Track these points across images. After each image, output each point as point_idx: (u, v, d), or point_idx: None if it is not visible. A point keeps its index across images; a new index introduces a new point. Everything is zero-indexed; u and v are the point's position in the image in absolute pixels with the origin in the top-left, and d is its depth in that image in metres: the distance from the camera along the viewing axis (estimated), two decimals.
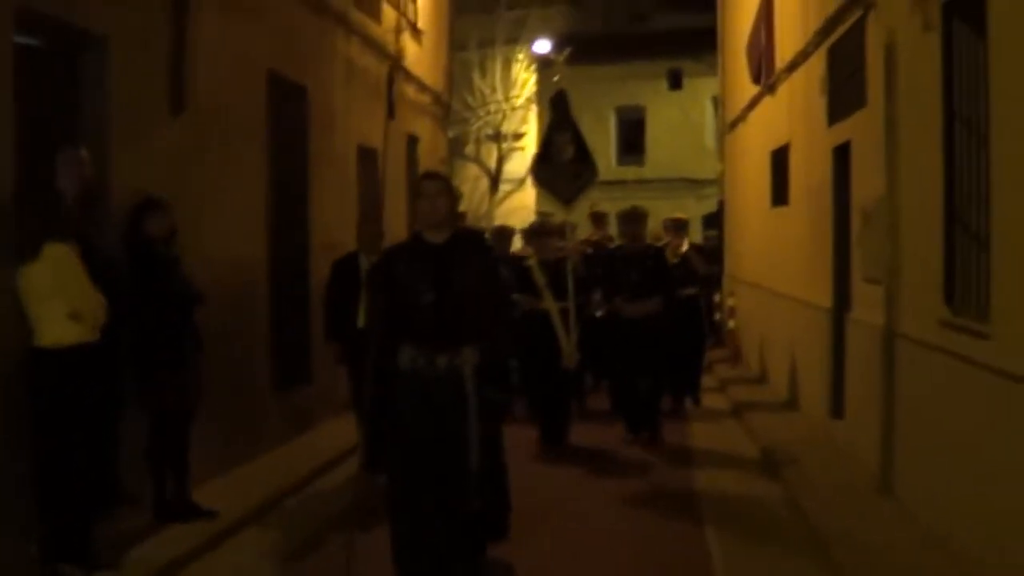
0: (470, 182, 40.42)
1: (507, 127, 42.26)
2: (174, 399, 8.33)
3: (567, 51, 13.19)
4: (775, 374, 15.66)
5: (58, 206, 7.03)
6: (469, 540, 7.12)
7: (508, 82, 41.34)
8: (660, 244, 13.85)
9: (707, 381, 15.99)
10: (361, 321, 9.88)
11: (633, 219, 12.87)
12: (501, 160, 42.21)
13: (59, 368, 6.95)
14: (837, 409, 11.37)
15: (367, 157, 15.38)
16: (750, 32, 16.11)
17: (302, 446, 11.52)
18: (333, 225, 13.24)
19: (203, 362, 8.74)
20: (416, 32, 18.65)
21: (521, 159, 41.98)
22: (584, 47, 22.23)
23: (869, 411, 9.68)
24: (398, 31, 17.21)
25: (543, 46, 35.52)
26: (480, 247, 8.00)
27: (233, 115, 10.52)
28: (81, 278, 7.11)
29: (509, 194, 41.64)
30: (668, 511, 9.58)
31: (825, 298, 11.83)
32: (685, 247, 14.72)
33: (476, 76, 39.29)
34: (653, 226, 14.43)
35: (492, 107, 41.37)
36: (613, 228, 15.45)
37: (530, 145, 41.32)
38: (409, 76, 18.15)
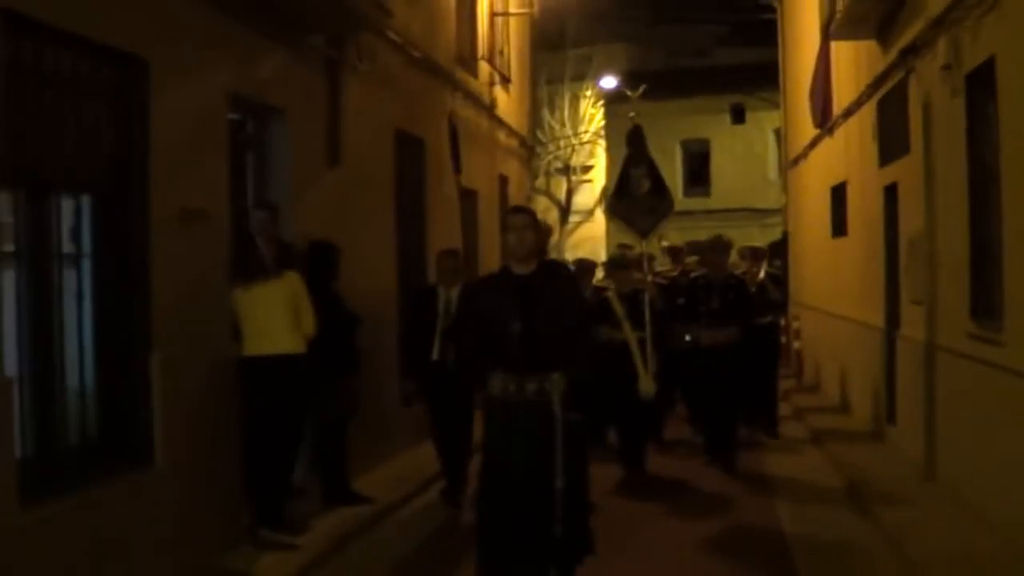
0: (540, 214, 41.61)
1: (575, 161, 43.81)
2: (342, 405, 10.13)
3: (642, 87, 13.35)
4: (830, 385, 17.46)
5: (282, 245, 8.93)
6: (553, 563, 7.33)
7: (576, 118, 42.91)
8: (738, 273, 14.06)
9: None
10: (436, 354, 10.47)
11: (718, 249, 13.34)
12: (570, 192, 43.78)
13: (269, 372, 8.77)
14: (891, 415, 13.03)
15: (467, 197, 17.23)
16: (811, 80, 17.78)
17: (425, 452, 13.11)
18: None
19: (360, 377, 10.56)
20: (505, 82, 20.52)
21: (589, 191, 43.67)
22: (649, 82, 22.98)
23: (915, 412, 11.39)
24: (491, 83, 19.12)
25: (609, 82, 37.25)
26: (565, 278, 8.68)
27: (371, 166, 12.43)
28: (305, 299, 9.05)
29: (578, 225, 43.16)
30: (749, 544, 9.67)
31: (878, 318, 13.53)
32: (762, 275, 15.00)
33: (546, 112, 40.37)
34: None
35: (562, 142, 43.01)
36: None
37: (598, 178, 43.00)
38: (500, 122, 20.01)
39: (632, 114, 12.75)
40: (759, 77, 32.24)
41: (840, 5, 13.55)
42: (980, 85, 9.02)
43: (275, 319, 8.83)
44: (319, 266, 9.87)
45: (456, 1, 16.72)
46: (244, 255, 8.91)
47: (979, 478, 9.20)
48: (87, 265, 7.25)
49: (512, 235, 7.27)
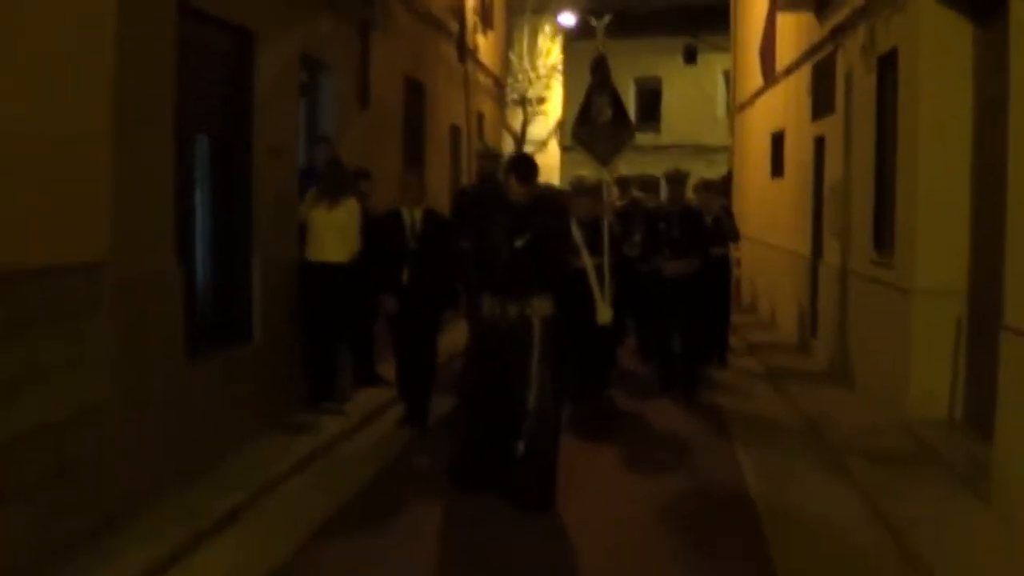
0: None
1: (532, 93, 45.86)
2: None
3: (608, 17, 13.03)
4: (764, 306, 20.16)
5: (337, 174, 11.20)
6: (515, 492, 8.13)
7: (534, 51, 44.93)
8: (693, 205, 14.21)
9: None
10: (406, 278, 10.76)
11: (677, 180, 13.62)
12: (525, 124, 45.90)
13: (326, 276, 11.09)
14: (813, 329, 15.67)
15: (453, 132, 19.69)
16: (760, 40, 20.26)
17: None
18: (436, 186, 17.50)
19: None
20: (487, 28, 22.88)
21: (543, 123, 45.79)
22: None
23: (831, 323, 14.02)
24: (475, 30, 21.47)
25: (568, 18, 39.39)
26: (555, 211, 9.17)
27: (388, 108, 14.83)
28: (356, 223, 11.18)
29: (532, 155, 45.30)
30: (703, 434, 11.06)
31: (806, 248, 16.14)
32: (715, 208, 15.17)
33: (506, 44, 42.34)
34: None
35: (520, 75, 45.07)
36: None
37: (553, 110, 45.20)
38: (479, 65, 22.39)
39: (598, 40, 12.77)
40: (711, 20, 33.94)
41: None
42: (888, 66, 11.54)
43: (329, 235, 11.04)
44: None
45: None
46: (311, 179, 11.27)
47: (873, 371, 11.82)
48: (209, 188, 9.63)
49: (513, 195, 8.36)
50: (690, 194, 14.84)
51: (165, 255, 8.20)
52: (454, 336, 13.39)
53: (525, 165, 8.61)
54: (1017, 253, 7.58)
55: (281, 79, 10.71)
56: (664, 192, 15.14)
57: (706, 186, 15.28)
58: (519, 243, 8.13)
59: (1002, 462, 7.71)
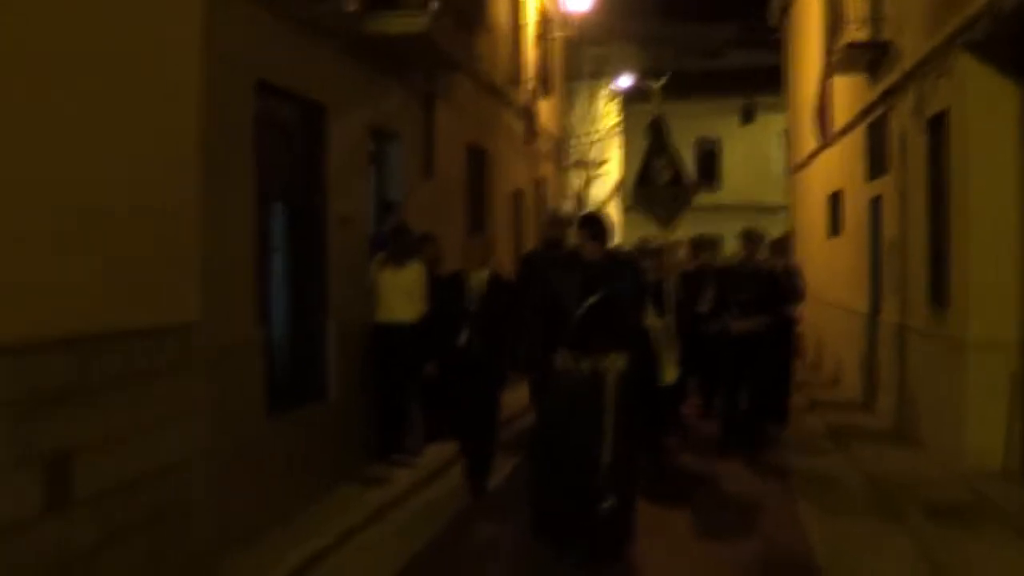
0: (557, 205, 44.17)
1: (591, 155, 46.40)
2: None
3: (664, 78, 13.24)
4: (828, 364, 20.34)
5: (404, 239, 11.64)
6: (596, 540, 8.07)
7: (593, 114, 45.52)
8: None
9: None
10: (463, 340, 10.67)
11: (754, 239, 13.27)
12: (586, 185, 46.40)
13: (394, 335, 11.50)
14: (870, 382, 15.88)
15: (516, 197, 20.16)
16: (816, 102, 20.58)
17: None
18: (499, 250, 17.92)
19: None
20: (546, 93, 23.43)
21: (603, 185, 46.32)
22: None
23: (891, 379, 14.25)
24: (534, 96, 21.99)
25: (625, 80, 39.99)
26: (627, 267, 9.24)
27: (452, 174, 15.31)
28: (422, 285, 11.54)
29: (604, 217, 45.66)
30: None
31: (864, 305, 16.39)
32: (780, 267, 14.87)
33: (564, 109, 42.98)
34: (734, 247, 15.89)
35: (579, 138, 45.62)
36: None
37: (612, 171, 45.69)
38: (541, 130, 22.89)
39: (654, 103, 12.97)
40: (768, 80, 34.48)
41: (838, 46, 16.39)
42: (938, 127, 11.88)
43: (396, 297, 11.43)
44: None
45: (510, 28, 19.61)
46: (380, 246, 11.74)
47: (932, 425, 12.05)
48: (286, 254, 10.10)
49: (585, 253, 8.66)
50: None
51: (248, 318, 8.70)
52: (512, 398, 13.35)
53: (597, 222, 8.89)
54: None
55: (352, 150, 11.21)
56: (733, 249, 14.87)
57: (775, 245, 15.32)
58: (592, 301, 8.19)
59: None
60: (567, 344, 8.27)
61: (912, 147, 13.07)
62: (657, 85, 13.60)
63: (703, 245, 16.16)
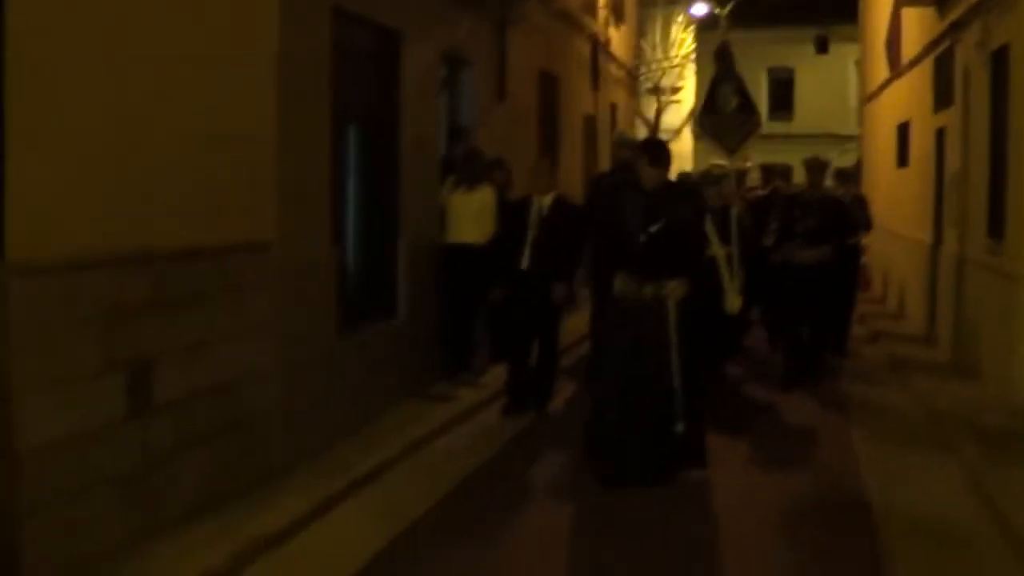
0: (631, 132, 44.27)
1: (665, 82, 46.31)
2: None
3: (730, 5, 13.15)
4: (893, 295, 20.51)
5: (475, 163, 11.98)
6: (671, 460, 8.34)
7: (667, 41, 45.37)
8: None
9: None
10: (525, 263, 10.86)
11: (817, 168, 13.03)
12: (659, 113, 46.35)
13: (463, 257, 11.86)
14: (932, 312, 16.09)
15: (588, 121, 20.44)
16: (887, 33, 20.65)
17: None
18: (571, 175, 18.28)
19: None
20: (619, 22, 23.59)
21: (677, 112, 46.14)
22: (737, 10, 23.30)
23: (949, 310, 14.48)
24: (606, 23, 22.19)
25: (700, 8, 39.87)
26: (689, 196, 9.40)
27: (523, 100, 15.63)
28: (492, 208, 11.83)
29: (667, 143, 45.78)
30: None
31: (928, 236, 16.56)
32: (849, 196, 15.03)
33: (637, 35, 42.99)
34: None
35: (653, 64, 45.56)
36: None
37: (686, 99, 45.62)
38: (611, 57, 23.10)
39: (722, 27, 12.97)
40: (842, 9, 34.14)
41: None
42: (1000, 61, 12.00)
43: (466, 219, 11.78)
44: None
45: None
46: (451, 169, 12.10)
47: (988, 355, 12.30)
48: (359, 176, 10.50)
49: (646, 179, 8.67)
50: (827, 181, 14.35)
51: (322, 238, 9.13)
52: (571, 324, 13.53)
53: (656, 148, 8.98)
54: None
55: (425, 75, 11.56)
56: (802, 178, 14.34)
57: (841, 174, 15.27)
58: (654, 228, 8.32)
59: None
60: (628, 270, 8.43)
61: (976, 80, 13.18)
62: (724, 11, 12.77)
63: (773, 172, 16.82)
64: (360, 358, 9.93)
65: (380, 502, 8.18)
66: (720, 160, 13.88)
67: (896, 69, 20.01)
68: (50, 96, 5.65)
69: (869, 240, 21.71)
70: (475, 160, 11.98)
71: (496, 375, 12.20)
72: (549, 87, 17.42)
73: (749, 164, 16.92)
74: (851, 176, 16.15)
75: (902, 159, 19.94)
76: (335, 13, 9.26)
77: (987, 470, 8.87)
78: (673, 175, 10.77)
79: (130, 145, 6.34)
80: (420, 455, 9.49)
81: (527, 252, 10.87)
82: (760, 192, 15.92)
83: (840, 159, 29.50)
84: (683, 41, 44.74)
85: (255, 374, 7.85)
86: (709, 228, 10.66)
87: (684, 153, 41.68)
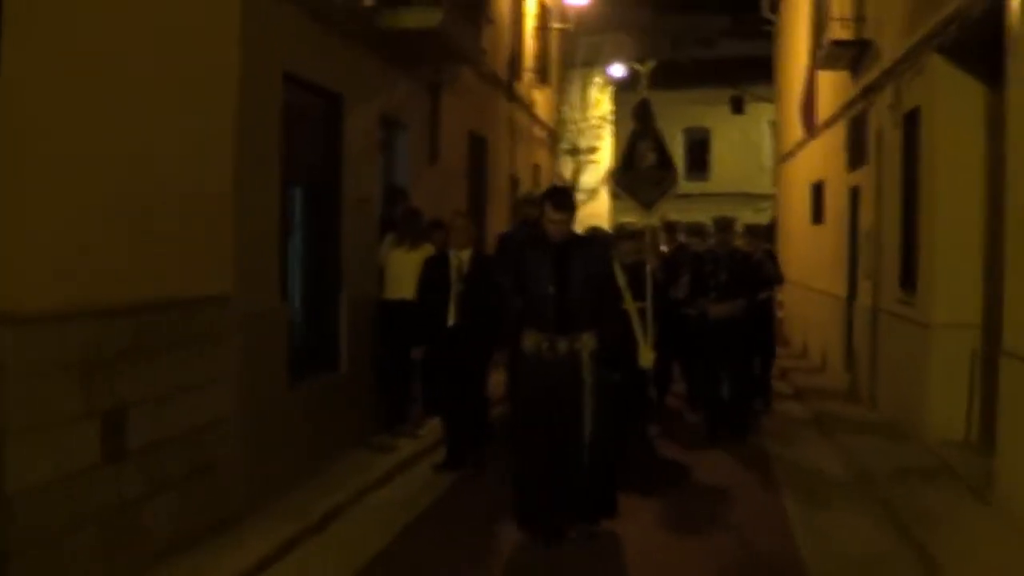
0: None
1: (583, 143, 46.97)
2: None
3: (652, 63, 12.82)
4: (814, 350, 21.18)
5: (417, 222, 12.39)
6: (578, 512, 8.38)
7: (585, 102, 46.13)
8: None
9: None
10: (451, 319, 11.02)
11: (725, 226, 13.58)
12: (577, 173, 47.01)
13: (400, 312, 12.23)
14: (850, 363, 16.73)
15: (512, 182, 21.00)
16: (801, 96, 21.46)
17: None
18: (496, 230, 18.71)
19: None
20: (542, 83, 24.24)
21: (595, 172, 46.93)
22: (654, 72, 24.26)
23: (864, 358, 15.12)
24: (531, 86, 22.79)
25: (618, 69, 40.66)
26: (599, 245, 9.44)
27: (455, 161, 16.12)
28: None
29: (583, 203, 46.15)
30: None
31: (843, 290, 17.24)
32: (759, 252, 15.07)
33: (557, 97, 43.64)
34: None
35: (571, 126, 46.23)
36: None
37: (603, 159, 46.37)
38: (535, 119, 23.71)
39: (642, 85, 12.53)
40: (757, 71, 35.21)
41: (823, 42, 17.22)
42: (912, 123, 12.71)
43: (406, 276, 12.00)
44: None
45: (510, 19, 20.40)
46: (391, 227, 12.50)
47: (900, 400, 12.90)
48: (304, 233, 10.92)
49: (551, 226, 8.44)
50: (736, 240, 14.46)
51: (273, 292, 9.54)
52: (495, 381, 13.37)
53: (560, 194, 8.94)
54: (1014, 287, 8.71)
55: (364, 138, 12.00)
56: (712, 238, 14.82)
57: (751, 230, 15.58)
58: (563, 279, 8.29)
59: (1003, 472, 8.81)
60: (538, 325, 8.38)
61: (888, 141, 13.89)
62: (645, 67, 12.83)
63: (677, 229, 16.72)
64: (307, 409, 10.32)
65: (336, 543, 8.60)
66: (632, 219, 13.93)
67: (811, 130, 20.79)
68: (37, 164, 6.10)
69: (784, 296, 22.69)
70: (415, 219, 12.40)
71: (433, 428, 12.53)
72: (478, 148, 17.95)
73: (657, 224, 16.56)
74: (760, 232, 16.39)
75: (817, 216, 20.70)
76: (286, 78, 9.70)
77: (902, 499, 9.51)
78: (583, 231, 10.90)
79: (110, 205, 6.78)
80: (368, 500, 9.92)
81: (452, 308, 11.07)
82: (663, 248, 15.72)
83: (754, 217, 30.10)
84: (600, 102, 45.60)
85: (217, 422, 8.24)
86: (622, 282, 10.70)
87: (601, 213, 42.12)
